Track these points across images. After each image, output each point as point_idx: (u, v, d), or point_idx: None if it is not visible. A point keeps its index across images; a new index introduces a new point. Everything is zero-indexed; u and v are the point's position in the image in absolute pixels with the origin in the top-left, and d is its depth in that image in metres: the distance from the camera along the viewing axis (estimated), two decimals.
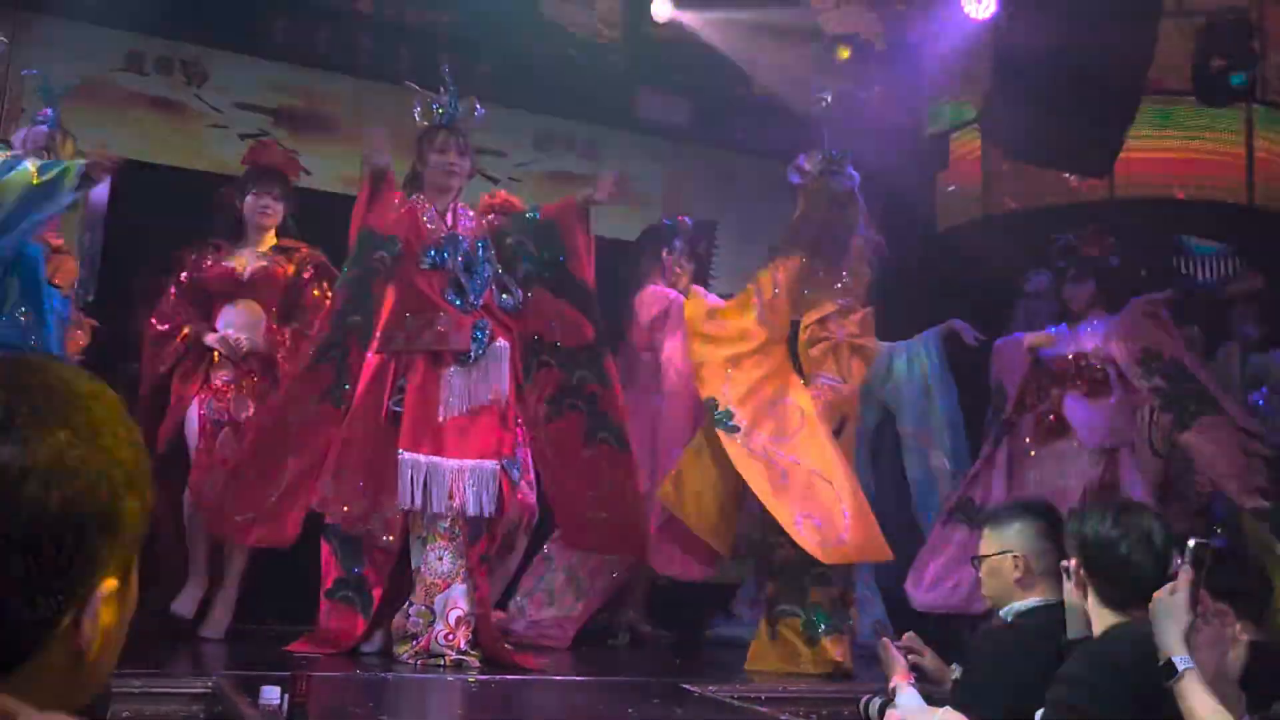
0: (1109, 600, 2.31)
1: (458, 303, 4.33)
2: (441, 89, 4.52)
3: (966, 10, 6.56)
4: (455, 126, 4.47)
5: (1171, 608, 2.01)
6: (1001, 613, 2.91)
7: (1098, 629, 2.32)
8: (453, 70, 5.16)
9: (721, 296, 7.44)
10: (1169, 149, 6.89)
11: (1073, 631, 2.46)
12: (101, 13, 6.05)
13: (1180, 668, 1.97)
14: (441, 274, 4.34)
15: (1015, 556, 2.84)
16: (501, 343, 4.34)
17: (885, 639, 3.09)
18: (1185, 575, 2.02)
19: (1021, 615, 2.82)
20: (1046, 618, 2.70)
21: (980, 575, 2.95)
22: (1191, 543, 2.04)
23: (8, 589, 0.80)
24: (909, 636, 3.19)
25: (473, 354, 4.24)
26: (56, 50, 6.11)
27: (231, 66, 6.42)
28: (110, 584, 0.86)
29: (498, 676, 3.91)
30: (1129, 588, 2.26)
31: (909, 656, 3.07)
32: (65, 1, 5.98)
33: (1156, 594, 2.05)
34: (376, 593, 4.27)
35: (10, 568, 0.80)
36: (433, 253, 4.33)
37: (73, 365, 0.95)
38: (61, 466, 0.83)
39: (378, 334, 4.34)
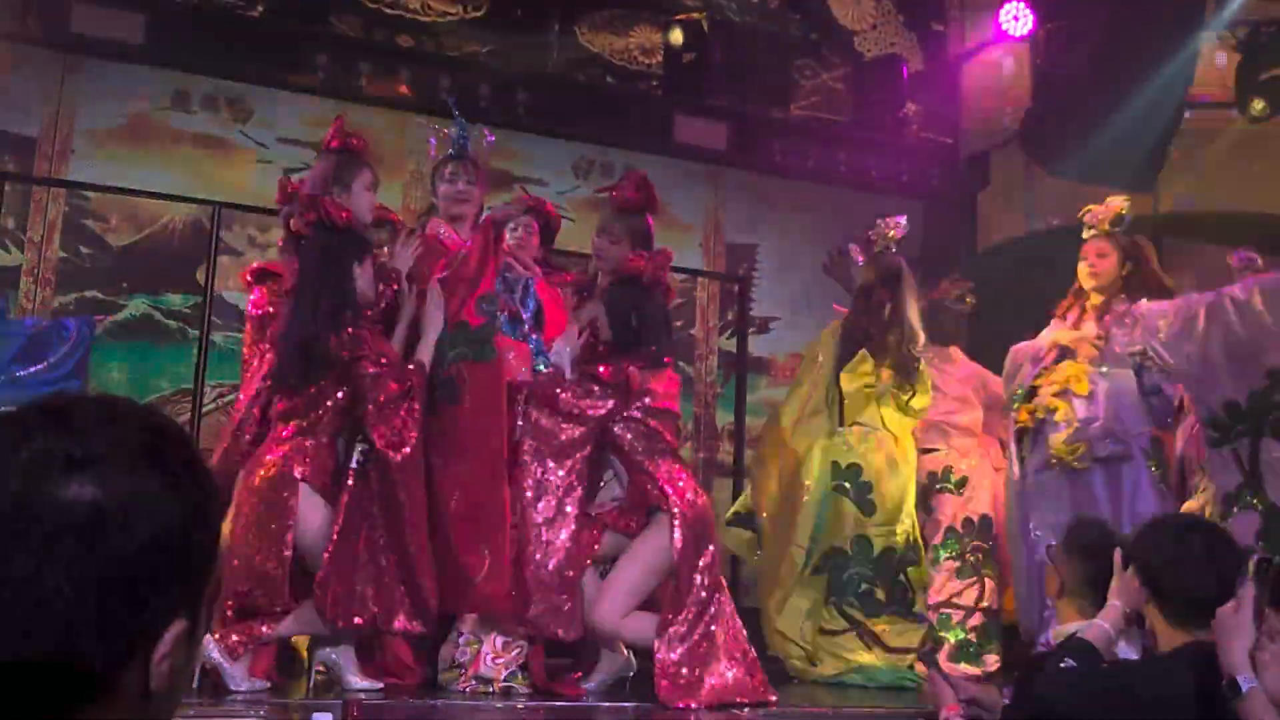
0: (1174, 619, 2.27)
1: (514, 334, 4.33)
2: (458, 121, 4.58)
3: (1004, 28, 6.55)
4: (465, 156, 4.49)
5: (1235, 626, 1.98)
6: (1053, 633, 2.88)
7: (1164, 648, 2.29)
8: (491, 100, 5.19)
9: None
10: (1213, 160, 6.81)
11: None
12: (148, 53, 6.18)
13: (1244, 686, 1.93)
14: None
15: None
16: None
17: (932, 671, 3.04)
18: (1249, 593, 1.98)
19: (1068, 638, 2.78)
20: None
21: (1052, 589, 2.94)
22: (1254, 559, 2.01)
23: (82, 628, 0.81)
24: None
25: (540, 369, 4.26)
26: (105, 89, 6.25)
27: (274, 103, 6.54)
28: (181, 624, 0.86)
29: (546, 703, 3.90)
30: (1193, 607, 2.23)
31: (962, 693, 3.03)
32: (113, 41, 6.12)
33: (1220, 611, 2.01)
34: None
35: (85, 607, 0.80)
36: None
37: (134, 400, 0.95)
38: (137, 506, 0.83)
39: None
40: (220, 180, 6.34)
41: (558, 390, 4.10)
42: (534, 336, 4.36)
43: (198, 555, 0.87)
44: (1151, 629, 2.35)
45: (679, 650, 3.95)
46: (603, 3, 7.17)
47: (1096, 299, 4.55)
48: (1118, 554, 2.55)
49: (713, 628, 4.05)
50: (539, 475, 4.01)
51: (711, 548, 4.13)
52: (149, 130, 6.33)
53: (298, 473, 3.74)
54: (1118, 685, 2.31)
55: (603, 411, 4.09)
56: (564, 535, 3.97)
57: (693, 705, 3.86)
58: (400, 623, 3.74)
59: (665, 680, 3.91)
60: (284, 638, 3.84)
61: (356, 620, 3.67)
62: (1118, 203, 4.67)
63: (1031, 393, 4.55)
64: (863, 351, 4.90)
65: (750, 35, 7.34)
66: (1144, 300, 4.46)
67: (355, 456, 3.82)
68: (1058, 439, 4.38)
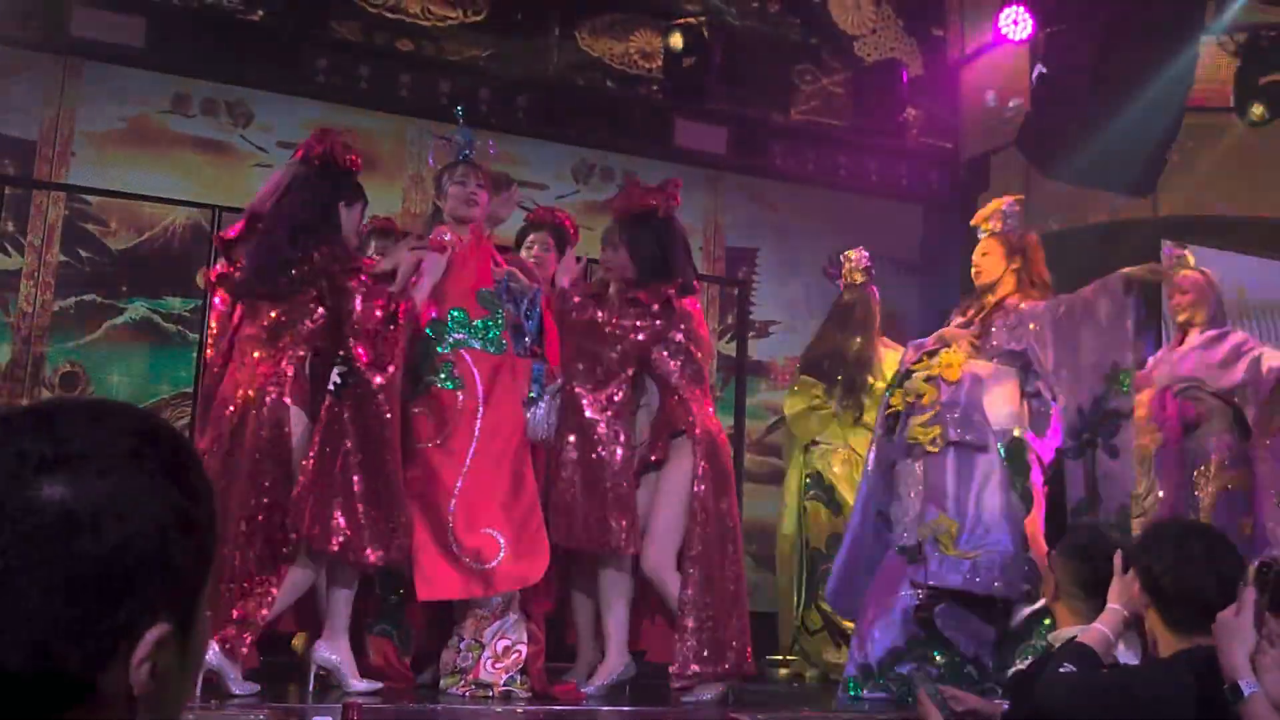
0: (1174, 623, 2.27)
1: (517, 349, 4.30)
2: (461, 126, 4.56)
3: (1004, 32, 6.56)
4: (473, 161, 4.48)
5: (1236, 630, 1.97)
6: (1050, 637, 2.89)
7: (1164, 652, 2.29)
8: (491, 104, 5.16)
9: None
10: (1213, 165, 6.82)
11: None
12: (148, 56, 6.19)
13: (1245, 691, 1.93)
14: None
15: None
16: (557, 383, 4.31)
17: (921, 689, 3.00)
18: (1249, 597, 1.98)
19: (1066, 642, 2.78)
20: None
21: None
22: (1255, 563, 2.00)
23: (55, 631, 0.80)
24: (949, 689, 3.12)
25: (533, 396, 4.25)
26: (105, 93, 6.26)
27: (275, 106, 6.54)
28: (162, 627, 0.84)
29: (545, 707, 3.90)
30: (1193, 611, 2.22)
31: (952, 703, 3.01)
32: (113, 45, 6.13)
33: (1221, 615, 2.01)
34: (416, 625, 4.22)
35: (56, 610, 0.80)
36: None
37: (130, 404, 0.94)
38: (110, 508, 0.82)
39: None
40: (220, 183, 6.33)
41: (597, 313, 4.14)
42: (537, 363, 4.33)
43: (181, 557, 0.85)
44: (1151, 633, 2.34)
45: (694, 589, 3.98)
46: (603, 7, 7.18)
47: (990, 298, 4.54)
48: (1118, 557, 2.55)
49: (733, 585, 4.07)
50: (589, 399, 4.07)
51: (729, 492, 4.21)
52: (149, 133, 6.33)
53: (285, 399, 3.74)
54: (1117, 689, 2.31)
55: (645, 335, 4.13)
56: (620, 453, 4.04)
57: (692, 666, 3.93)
58: (371, 555, 3.71)
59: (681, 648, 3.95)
60: (279, 615, 3.83)
61: (332, 545, 3.66)
62: (999, 201, 4.65)
63: (907, 377, 4.55)
64: (804, 377, 5.35)
65: (750, 39, 7.35)
66: (1022, 300, 4.43)
67: (333, 377, 3.80)
68: (916, 421, 4.36)
